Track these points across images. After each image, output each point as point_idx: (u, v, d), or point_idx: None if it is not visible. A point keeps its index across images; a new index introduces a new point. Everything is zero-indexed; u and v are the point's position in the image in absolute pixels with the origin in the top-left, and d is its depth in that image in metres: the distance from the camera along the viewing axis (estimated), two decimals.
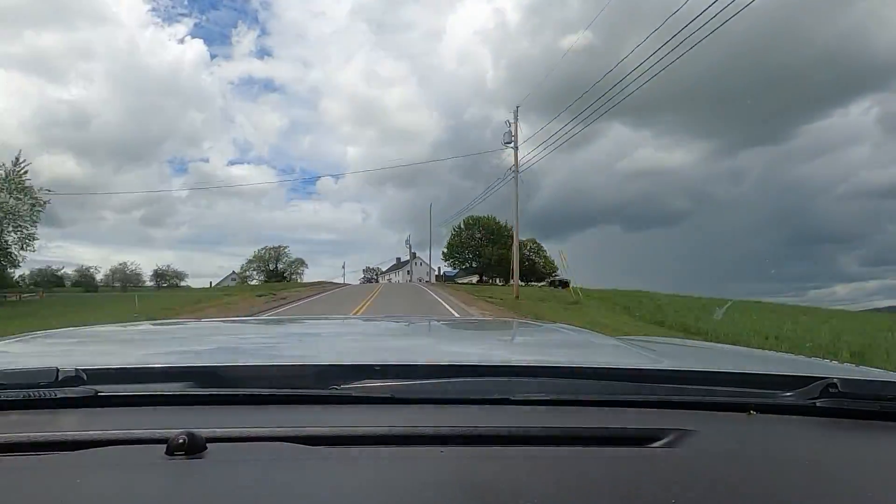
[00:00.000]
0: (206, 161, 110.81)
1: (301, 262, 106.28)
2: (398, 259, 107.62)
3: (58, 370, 0.67)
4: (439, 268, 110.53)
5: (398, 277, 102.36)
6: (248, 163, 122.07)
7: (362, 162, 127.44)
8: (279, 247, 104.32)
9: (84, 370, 0.69)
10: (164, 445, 0.53)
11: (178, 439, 0.53)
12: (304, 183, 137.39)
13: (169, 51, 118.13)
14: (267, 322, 2.40)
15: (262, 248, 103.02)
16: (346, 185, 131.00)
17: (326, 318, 2.20)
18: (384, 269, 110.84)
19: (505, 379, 0.75)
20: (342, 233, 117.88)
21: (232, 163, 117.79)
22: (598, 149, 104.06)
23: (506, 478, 0.51)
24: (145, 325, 1.87)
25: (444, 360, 0.87)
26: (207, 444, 0.54)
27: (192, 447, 0.53)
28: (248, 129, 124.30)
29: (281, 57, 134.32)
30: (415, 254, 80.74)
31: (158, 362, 0.84)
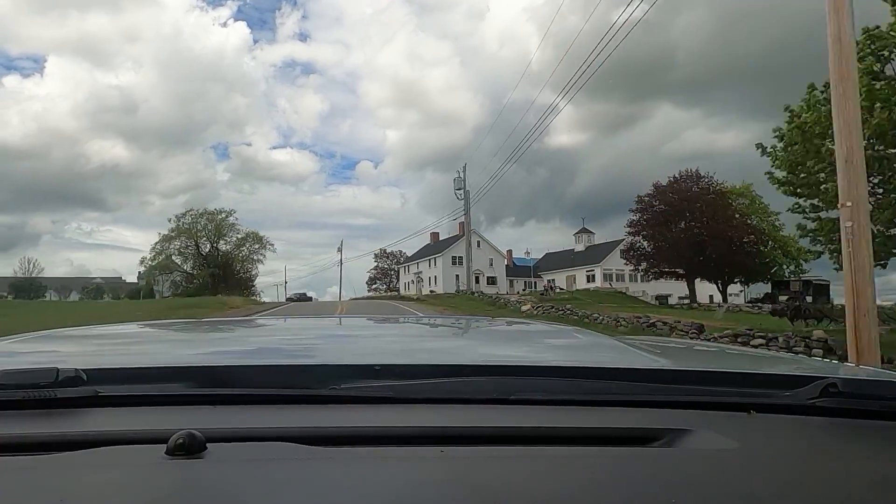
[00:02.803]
0: (249, 145, 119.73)
1: (257, 239, 64.49)
2: (435, 237, 62.42)
3: (58, 370, 0.69)
4: (510, 252, 68.39)
5: (434, 271, 58.01)
6: (290, 147, 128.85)
7: (402, 146, 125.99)
8: (218, 213, 63.42)
9: (84, 370, 0.72)
10: (165, 445, 0.55)
11: (179, 439, 0.55)
12: (344, 167, 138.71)
13: (213, 35, 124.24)
14: (267, 322, 2.85)
15: (187, 213, 62.39)
16: (386, 170, 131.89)
17: (326, 318, 2.38)
18: (411, 255, 66.64)
19: (505, 378, 0.78)
20: (380, 217, 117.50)
21: (274, 147, 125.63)
22: (644, 130, 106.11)
23: (505, 478, 0.54)
24: (146, 325, 2.00)
25: (444, 360, 0.94)
26: (208, 444, 0.56)
27: (193, 447, 0.55)
28: (290, 113, 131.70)
29: (322, 40, 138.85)
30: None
31: (159, 362, 0.91)
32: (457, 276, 56.59)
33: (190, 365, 0.84)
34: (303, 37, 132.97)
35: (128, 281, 69.85)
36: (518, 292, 55.49)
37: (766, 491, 0.52)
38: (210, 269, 58.87)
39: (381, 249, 78.32)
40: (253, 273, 66.02)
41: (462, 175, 33.21)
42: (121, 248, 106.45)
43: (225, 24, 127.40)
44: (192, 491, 0.51)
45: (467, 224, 34.18)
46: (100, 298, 62.60)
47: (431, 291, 54.65)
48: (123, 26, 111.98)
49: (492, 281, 58.21)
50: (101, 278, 73.97)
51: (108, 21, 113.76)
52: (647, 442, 0.63)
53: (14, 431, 0.63)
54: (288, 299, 56.68)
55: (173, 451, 0.54)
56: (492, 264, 59.99)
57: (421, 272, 62.11)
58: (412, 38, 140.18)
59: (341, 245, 76.57)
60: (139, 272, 62.27)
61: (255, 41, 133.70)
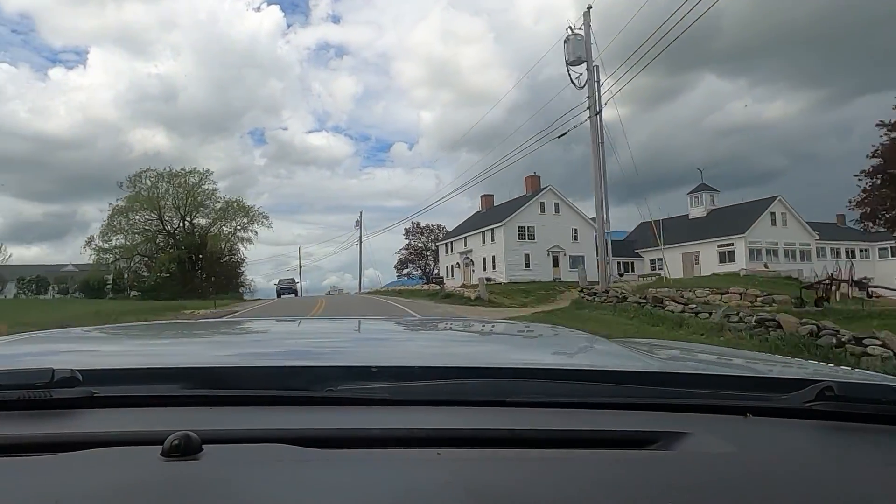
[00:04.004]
0: (286, 130, 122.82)
1: (242, 210, 48.73)
2: (487, 201, 45.26)
3: (53, 371, 0.70)
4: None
5: (490, 249, 41.06)
6: (326, 130, 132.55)
7: (437, 126, 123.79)
8: (188, 174, 47.75)
9: (80, 371, 0.72)
10: (160, 447, 0.56)
11: (175, 440, 0.56)
12: (378, 150, 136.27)
13: (247, 20, 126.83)
14: (263, 322, 2.89)
15: (143, 173, 47.01)
16: (420, 151, 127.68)
17: (323, 320, 2.46)
18: (452, 229, 49.73)
19: (502, 381, 0.79)
20: (415, 199, 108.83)
21: (310, 131, 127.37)
22: (685, 103, 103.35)
23: (502, 480, 0.55)
24: (142, 325, 1.99)
25: (441, 362, 0.94)
26: (204, 446, 0.57)
27: (188, 448, 0.56)
28: (324, 96, 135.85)
29: (354, 21, 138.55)
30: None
31: (155, 363, 0.94)
32: (526, 255, 39.88)
33: (186, 366, 0.85)
34: (335, 18, 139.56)
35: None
36: (610, 280, 38.06)
37: (763, 494, 0.54)
38: (179, 250, 43.43)
39: (413, 223, 61.82)
40: (236, 258, 50.12)
41: (583, 32, 15.68)
42: None
43: (259, 9, 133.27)
44: (187, 492, 0.51)
45: (597, 129, 15.34)
46: (42, 293, 48.60)
47: (489, 279, 37.73)
48: (160, 14, 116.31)
49: (576, 263, 41.00)
50: (74, 265, 60.36)
51: (144, 10, 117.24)
52: (644, 445, 0.64)
53: (9, 432, 0.63)
54: (280, 289, 40.97)
55: (169, 452, 0.55)
56: (576, 237, 42.98)
57: (470, 251, 45.41)
58: (445, 15, 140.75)
59: (360, 217, 60.05)
60: (93, 259, 46.81)
61: (289, 25, 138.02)
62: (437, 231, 61.43)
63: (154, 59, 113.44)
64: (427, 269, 61.68)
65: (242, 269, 51.05)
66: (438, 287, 25.77)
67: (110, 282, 47.07)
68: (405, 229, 62.73)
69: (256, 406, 0.73)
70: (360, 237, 58.28)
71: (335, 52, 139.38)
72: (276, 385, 0.76)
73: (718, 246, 39.93)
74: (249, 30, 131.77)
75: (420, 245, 63.49)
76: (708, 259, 39.75)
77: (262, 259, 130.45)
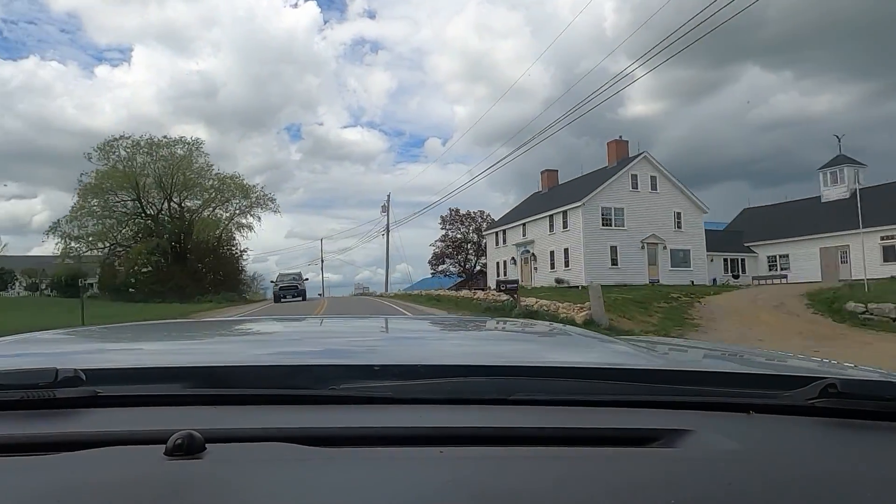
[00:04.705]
0: (321, 125, 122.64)
1: (241, 190, 40.15)
2: (550, 178, 34.39)
3: (57, 370, 0.71)
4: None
5: (561, 240, 30.95)
6: (360, 126, 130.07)
7: (470, 121, 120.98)
8: (173, 143, 39.37)
9: (83, 370, 0.73)
10: (164, 446, 0.57)
11: (178, 439, 0.56)
12: (412, 145, 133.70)
13: (285, 16, 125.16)
14: (266, 321, 3.02)
15: (118, 141, 38.55)
16: (454, 146, 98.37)
17: (326, 318, 2.49)
18: (499, 217, 39.50)
19: (504, 379, 0.80)
20: (447, 194, 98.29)
21: (345, 127, 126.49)
22: (727, 97, 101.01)
23: (505, 478, 0.55)
24: (145, 325, 2.02)
25: (444, 360, 0.97)
26: (207, 445, 0.57)
27: (192, 447, 0.56)
28: (360, 92, 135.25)
29: (389, 16, 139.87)
30: None
31: (158, 362, 0.97)
32: (612, 247, 30.31)
33: (189, 365, 0.88)
34: (371, 14, 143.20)
35: None
36: (716, 282, 27.93)
37: (766, 491, 0.54)
38: (160, 238, 34.74)
39: (451, 210, 52.36)
40: (235, 250, 40.96)
41: None
42: None
43: (296, 6, 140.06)
44: (191, 491, 0.52)
45: None
46: (6, 289, 40.95)
47: (559, 282, 27.89)
48: (201, 12, 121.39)
49: (679, 259, 30.76)
50: (71, 258, 53.11)
51: (186, 8, 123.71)
52: (647, 442, 0.65)
53: (13, 432, 0.64)
54: (280, 290, 31.59)
55: (172, 451, 0.56)
56: (679, 224, 32.79)
57: (531, 242, 35.38)
58: (480, 9, 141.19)
59: (388, 201, 50.68)
60: (59, 249, 38.48)
61: (326, 21, 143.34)
62: (479, 219, 51.91)
63: (195, 55, 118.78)
64: (467, 266, 52.19)
65: (244, 262, 42.41)
66: (509, 297, 15.58)
67: (96, 277, 39.12)
68: (441, 217, 53.45)
69: (259, 405, 0.73)
70: (388, 225, 49.22)
71: (370, 48, 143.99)
72: (278, 384, 0.77)
73: (882, 238, 29.27)
74: (287, 26, 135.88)
75: (459, 236, 54.07)
76: (861, 255, 29.17)
77: (296, 254, 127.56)
